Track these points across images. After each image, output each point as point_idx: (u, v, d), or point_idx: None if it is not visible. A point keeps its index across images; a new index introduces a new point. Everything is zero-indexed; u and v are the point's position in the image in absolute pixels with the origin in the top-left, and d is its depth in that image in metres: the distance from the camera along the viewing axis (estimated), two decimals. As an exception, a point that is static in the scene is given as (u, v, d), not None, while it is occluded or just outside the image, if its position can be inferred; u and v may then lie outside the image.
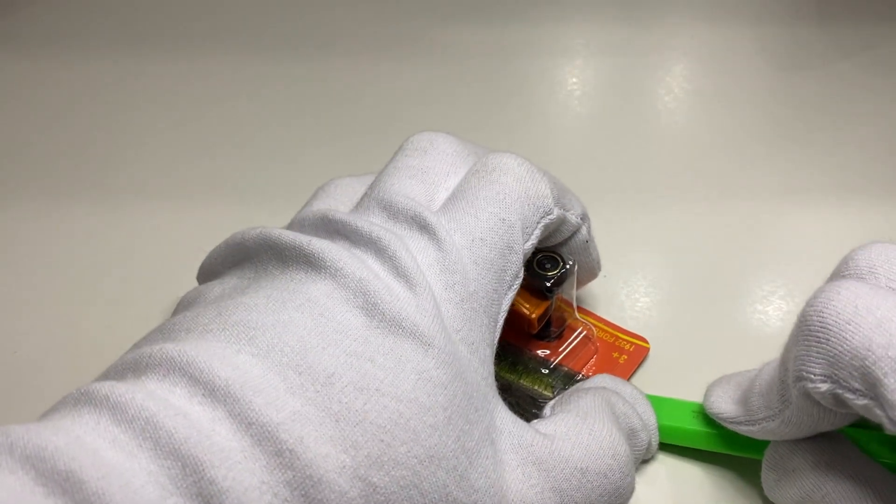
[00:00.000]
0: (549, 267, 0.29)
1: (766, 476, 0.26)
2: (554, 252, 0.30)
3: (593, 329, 0.32)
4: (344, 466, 0.20)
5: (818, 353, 0.22)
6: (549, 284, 0.29)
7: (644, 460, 0.29)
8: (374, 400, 0.21)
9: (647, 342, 0.32)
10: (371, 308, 0.23)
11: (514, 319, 0.30)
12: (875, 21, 0.51)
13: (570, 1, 0.54)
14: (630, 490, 0.25)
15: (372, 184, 0.28)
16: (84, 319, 0.35)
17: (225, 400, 0.20)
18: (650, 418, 0.28)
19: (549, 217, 0.27)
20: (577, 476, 0.24)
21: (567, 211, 0.28)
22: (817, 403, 0.23)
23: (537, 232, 0.27)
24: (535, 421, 0.26)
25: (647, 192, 0.40)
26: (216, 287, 0.25)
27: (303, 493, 0.19)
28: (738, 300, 0.35)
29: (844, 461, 0.24)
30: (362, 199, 0.27)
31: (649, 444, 0.28)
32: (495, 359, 0.28)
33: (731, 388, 0.27)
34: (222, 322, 0.22)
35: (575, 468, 0.24)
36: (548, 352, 0.31)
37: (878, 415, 0.20)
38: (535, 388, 0.30)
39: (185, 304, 0.26)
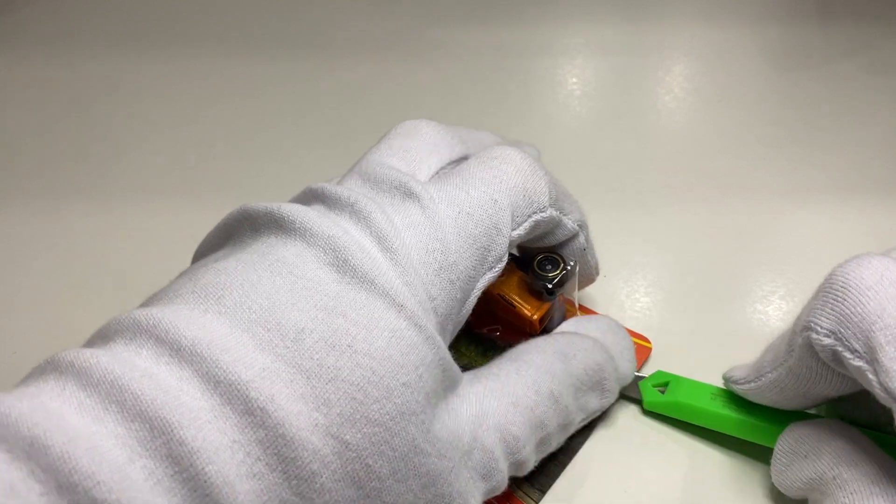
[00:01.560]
0: (550, 268, 0.29)
1: (777, 460, 0.26)
2: (555, 253, 0.30)
3: None
4: (317, 424, 0.20)
5: (832, 309, 0.22)
6: (549, 286, 0.29)
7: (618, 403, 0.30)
8: (347, 357, 0.21)
9: (649, 342, 0.33)
10: (342, 264, 0.22)
11: (515, 320, 0.30)
12: (875, 21, 0.51)
13: (570, 1, 0.54)
14: (558, 423, 0.26)
15: (355, 162, 0.28)
16: (83, 319, 0.35)
17: (191, 359, 0.19)
18: (619, 354, 0.29)
19: (541, 214, 0.27)
20: (510, 410, 0.25)
21: (564, 214, 0.28)
22: (816, 357, 0.23)
23: (527, 224, 0.27)
24: (478, 368, 0.27)
25: (648, 192, 0.40)
26: (201, 261, 0.25)
27: (275, 451, 0.19)
28: (738, 300, 0.35)
29: (857, 447, 0.24)
30: (348, 171, 0.27)
31: (615, 375, 0.29)
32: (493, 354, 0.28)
33: (749, 363, 0.28)
34: (192, 286, 0.22)
35: (508, 403, 0.25)
36: None
37: (870, 380, 0.21)
38: None
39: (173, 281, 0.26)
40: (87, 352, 0.19)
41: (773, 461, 0.26)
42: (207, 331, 0.20)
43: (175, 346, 0.20)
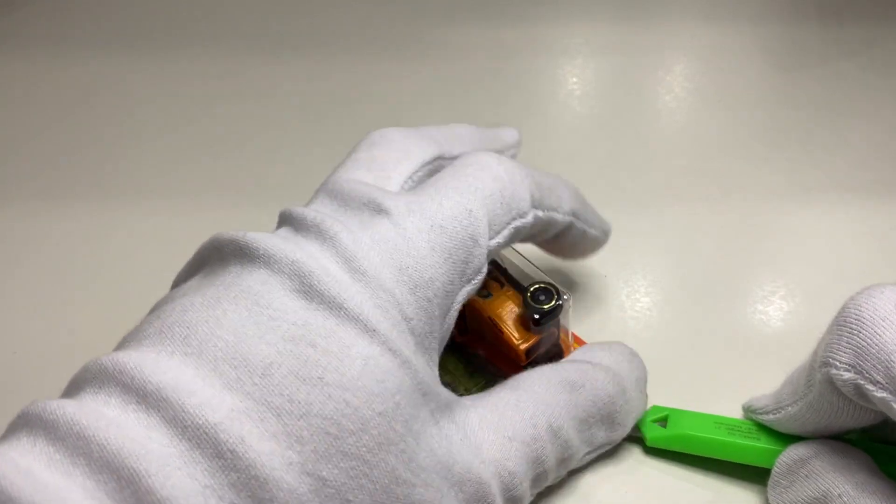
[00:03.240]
0: (544, 299, 0.28)
1: (777, 482, 0.26)
2: (551, 285, 0.29)
3: None
4: (291, 463, 0.19)
5: (848, 343, 0.22)
6: (536, 317, 0.28)
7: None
8: (318, 389, 0.20)
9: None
10: (308, 290, 0.22)
11: (503, 347, 0.29)
12: (875, 21, 0.51)
13: (570, 1, 0.54)
14: (557, 458, 0.25)
15: (323, 181, 0.27)
16: (83, 320, 0.35)
17: (158, 406, 0.19)
18: (633, 385, 0.28)
19: (522, 220, 0.26)
20: (505, 444, 0.24)
21: (553, 211, 0.28)
22: (838, 392, 0.23)
23: (506, 232, 0.26)
24: (476, 395, 0.26)
25: (648, 191, 0.40)
26: (169, 294, 0.25)
27: (249, 493, 0.19)
28: (738, 300, 0.35)
29: (861, 466, 0.24)
30: (315, 193, 0.27)
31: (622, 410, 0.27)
32: (483, 382, 0.27)
33: (770, 392, 0.28)
34: (159, 326, 0.21)
35: (504, 437, 0.24)
36: None
37: (895, 410, 0.21)
38: None
39: (147, 315, 0.25)
40: (55, 403, 0.19)
41: (771, 483, 0.26)
42: (173, 374, 0.19)
43: (141, 393, 0.19)
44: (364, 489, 0.20)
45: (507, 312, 0.29)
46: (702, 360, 0.33)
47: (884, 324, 0.22)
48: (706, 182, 0.41)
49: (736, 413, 0.30)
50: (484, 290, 0.29)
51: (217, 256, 0.24)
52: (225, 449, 0.18)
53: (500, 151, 0.30)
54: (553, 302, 0.28)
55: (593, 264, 0.36)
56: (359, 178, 0.26)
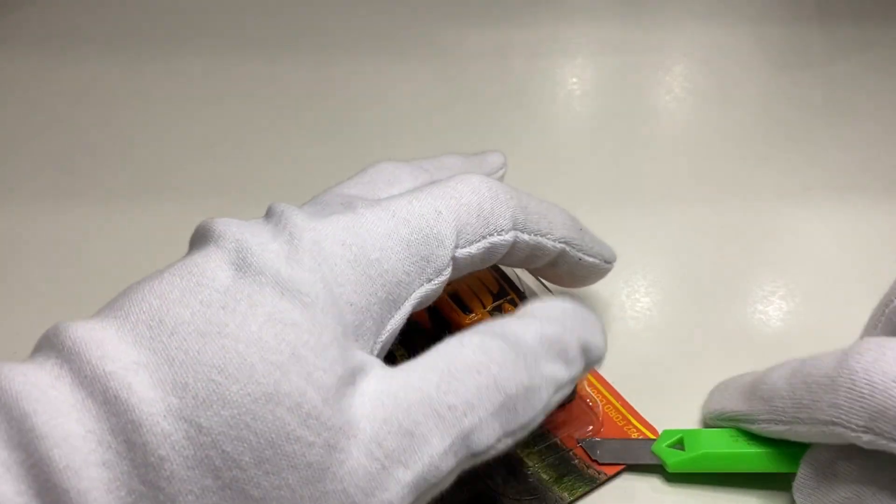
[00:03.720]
0: None
1: (804, 483, 0.26)
2: None
3: (598, 403, 0.30)
4: (169, 408, 0.20)
5: (862, 407, 0.23)
6: None
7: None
8: (214, 342, 0.21)
9: (656, 434, 0.30)
10: (241, 262, 0.22)
11: None
12: (875, 21, 0.51)
13: (569, 1, 0.54)
14: (520, 383, 0.23)
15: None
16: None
17: (69, 358, 0.20)
18: (581, 326, 0.26)
19: (499, 236, 0.26)
20: (447, 380, 0.22)
21: (542, 236, 0.28)
22: (844, 443, 0.24)
23: (481, 244, 0.26)
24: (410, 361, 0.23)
25: (648, 192, 0.40)
26: None
27: (125, 437, 0.19)
28: (738, 300, 0.35)
29: (887, 463, 0.24)
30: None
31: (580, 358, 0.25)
32: None
33: (735, 392, 0.28)
34: (114, 300, 0.23)
35: (443, 372, 0.22)
36: None
37: None
38: (516, 452, 0.29)
39: None
40: None
41: (796, 486, 0.26)
42: (93, 333, 0.21)
43: (60, 348, 0.21)
44: (245, 441, 0.20)
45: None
46: (702, 360, 0.33)
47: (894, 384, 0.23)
48: (706, 182, 0.41)
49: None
50: (499, 314, 0.29)
51: (193, 242, 0.25)
52: (111, 395, 0.19)
53: (487, 174, 0.30)
54: None
55: (593, 264, 0.36)
56: (348, 192, 0.27)
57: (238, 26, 0.53)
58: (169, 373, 0.20)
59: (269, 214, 0.25)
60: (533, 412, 0.23)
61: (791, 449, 0.27)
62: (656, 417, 0.30)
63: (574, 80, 0.49)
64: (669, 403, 0.31)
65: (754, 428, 0.27)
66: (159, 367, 0.20)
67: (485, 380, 0.22)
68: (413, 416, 0.21)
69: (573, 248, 0.29)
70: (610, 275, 0.36)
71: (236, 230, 0.23)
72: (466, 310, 0.29)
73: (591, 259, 0.30)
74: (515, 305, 0.29)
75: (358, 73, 0.49)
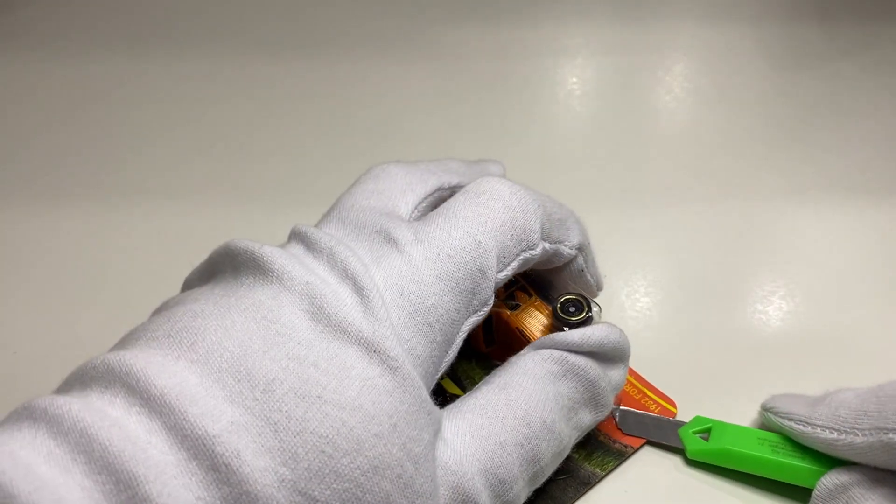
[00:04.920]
0: (574, 311, 0.28)
1: (820, 502, 0.26)
2: (579, 296, 0.28)
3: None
4: (283, 480, 0.19)
5: None
6: (566, 329, 0.27)
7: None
8: (316, 408, 0.20)
9: (674, 406, 0.31)
10: (317, 312, 0.22)
11: None
12: (875, 21, 0.51)
13: (569, 1, 0.54)
14: (553, 452, 0.25)
15: (331, 206, 0.28)
16: (84, 319, 0.35)
17: (161, 411, 0.19)
18: (612, 363, 0.27)
19: (530, 252, 0.27)
20: (497, 451, 0.24)
21: (560, 243, 0.28)
22: None
23: (515, 264, 0.26)
24: (461, 398, 0.26)
25: (648, 192, 0.40)
26: (180, 296, 0.25)
27: None
28: (738, 300, 0.35)
29: None
30: (325, 216, 0.27)
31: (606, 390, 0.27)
32: None
33: (797, 395, 0.28)
34: (168, 329, 0.21)
35: (495, 444, 0.24)
36: None
37: None
38: None
39: (155, 312, 0.26)
40: (61, 399, 0.19)
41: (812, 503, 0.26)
42: (177, 380, 0.20)
43: (145, 396, 0.19)
44: None
45: (536, 324, 0.29)
46: (702, 360, 0.33)
47: None
48: (706, 182, 0.41)
49: (741, 412, 0.30)
50: (512, 301, 0.29)
51: (231, 265, 0.24)
52: (220, 462, 0.19)
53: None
54: (583, 314, 0.28)
55: (593, 264, 0.36)
56: (369, 206, 0.27)
57: (238, 27, 0.53)
58: (275, 440, 0.20)
59: (310, 246, 0.24)
60: (557, 464, 0.26)
61: (813, 466, 0.27)
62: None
63: (574, 80, 0.49)
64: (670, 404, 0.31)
65: (807, 431, 0.27)
66: (262, 432, 0.19)
67: (528, 454, 0.24)
68: (472, 486, 0.23)
69: (582, 257, 0.29)
70: (610, 275, 0.36)
71: (300, 270, 0.23)
72: None
73: (588, 277, 0.30)
74: (526, 292, 0.29)
75: (358, 73, 0.49)
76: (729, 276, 0.36)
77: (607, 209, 0.37)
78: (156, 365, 0.20)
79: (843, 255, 0.37)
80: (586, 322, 0.28)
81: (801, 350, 0.33)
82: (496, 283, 0.26)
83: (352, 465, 0.20)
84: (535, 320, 0.29)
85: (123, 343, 0.22)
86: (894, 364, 0.31)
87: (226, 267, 0.24)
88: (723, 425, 0.29)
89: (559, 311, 0.28)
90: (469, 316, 0.25)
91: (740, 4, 0.53)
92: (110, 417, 0.19)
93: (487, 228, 0.26)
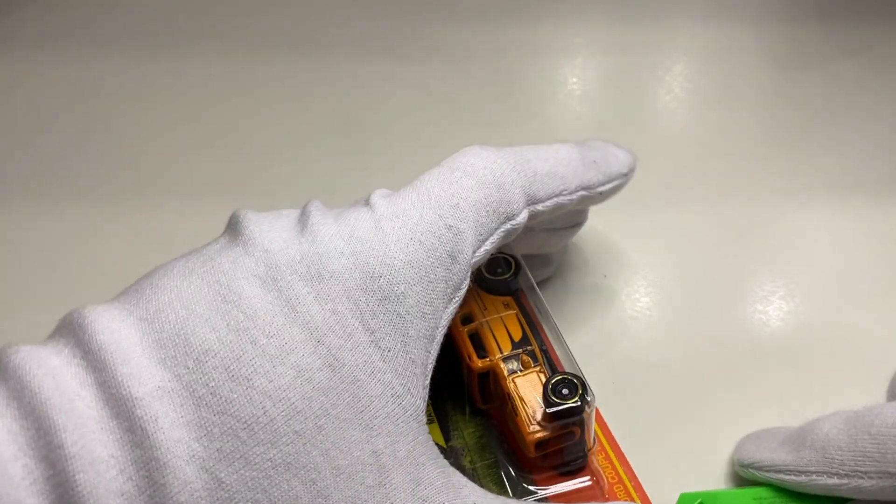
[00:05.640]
0: (566, 394, 0.25)
1: None
2: (578, 379, 0.25)
3: (604, 478, 0.27)
4: (193, 455, 0.19)
5: None
6: (549, 412, 0.25)
7: None
8: (242, 390, 0.20)
9: None
10: (269, 280, 0.21)
11: (517, 432, 0.26)
12: (875, 21, 0.51)
13: (569, 1, 0.54)
14: None
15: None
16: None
17: (96, 366, 0.19)
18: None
19: (512, 222, 0.25)
20: None
21: (556, 196, 0.27)
22: None
23: (495, 238, 0.25)
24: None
25: (647, 192, 0.40)
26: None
27: (147, 473, 0.19)
28: (738, 300, 0.35)
29: None
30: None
31: None
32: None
33: (770, 442, 0.27)
34: (140, 283, 0.22)
35: None
36: (541, 478, 0.26)
37: None
38: None
39: None
40: (12, 348, 0.20)
41: None
42: (118, 337, 0.20)
43: (86, 349, 0.20)
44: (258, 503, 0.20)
45: (531, 393, 0.26)
46: (701, 360, 0.33)
47: None
48: (706, 182, 0.41)
49: (742, 412, 0.30)
50: (515, 363, 0.27)
51: (227, 227, 0.24)
52: (137, 425, 0.19)
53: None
54: (571, 401, 0.25)
55: (593, 264, 0.36)
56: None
57: (238, 27, 0.53)
58: (195, 414, 0.19)
59: (302, 212, 0.24)
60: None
61: None
62: (656, 417, 0.30)
63: (574, 80, 0.49)
64: (669, 403, 0.31)
65: (802, 479, 0.25)
66: (184, 403, 0.20)
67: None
68: None
69: (590, 189, 0.28)
70: (610, 275, 0.36)
71: (264, 234, 0.22)
72: (482, 352, 0.27)
73: (610, 185, 0.29)
74: (532, 357, 0.27)
75: (358, 74, 0.49)
76: (729, 276, 0.36)
77: (607, 209, 0.37)
78: (105, 319, 0.20)
79: (843, 255, 0.37)
80: (572, 410, 0.25)
81: (801, 350, 0.33)
82: (475, 262, 0.25)
83: (264, 456, 0.20)
84: (532, 389, 0.26)
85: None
86: (894, 364, 0.31)
87: (226, 229, 0.25)
88: (713, 496, 0.27)
89: (549, 390, 0.25)
90: (446, 306, 0.24)
91: (740, 4, 0.53)
92: (49, 367, 0.19)
93: (460, 210, 0.24)
